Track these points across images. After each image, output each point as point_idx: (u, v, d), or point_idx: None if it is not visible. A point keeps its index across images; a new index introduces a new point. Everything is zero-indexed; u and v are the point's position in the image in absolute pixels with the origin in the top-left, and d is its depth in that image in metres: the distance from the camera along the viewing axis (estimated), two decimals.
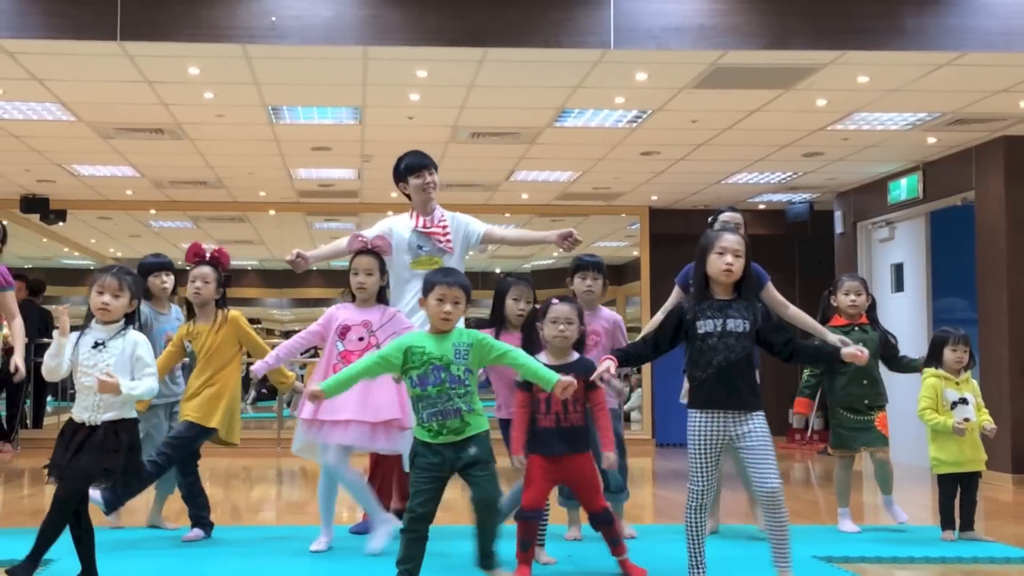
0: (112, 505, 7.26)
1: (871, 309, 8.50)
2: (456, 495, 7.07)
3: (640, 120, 11.82)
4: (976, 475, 7.96)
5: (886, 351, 8.41)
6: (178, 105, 11.21)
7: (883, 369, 8.49)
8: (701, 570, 5.84)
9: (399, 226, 7.89)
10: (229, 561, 6.80)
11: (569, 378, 5.83)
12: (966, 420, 7.75)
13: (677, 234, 17.52)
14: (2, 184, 15.85)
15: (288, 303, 27.60)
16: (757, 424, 5.77)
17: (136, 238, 21.95)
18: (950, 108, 11.32)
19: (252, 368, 7.26)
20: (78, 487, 5.86)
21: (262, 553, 7.06)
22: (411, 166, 7.85)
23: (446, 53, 9.47)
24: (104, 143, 12.98)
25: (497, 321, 6.91)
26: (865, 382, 8.17)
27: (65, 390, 19.47)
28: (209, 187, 16.13)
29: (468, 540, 5.88)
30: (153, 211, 18.16)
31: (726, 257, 5.84)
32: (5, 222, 8.51)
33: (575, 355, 6.38)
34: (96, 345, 5.87)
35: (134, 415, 5.97)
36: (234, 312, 7.74)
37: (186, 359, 7.90)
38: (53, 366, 5.82)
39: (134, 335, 6.01)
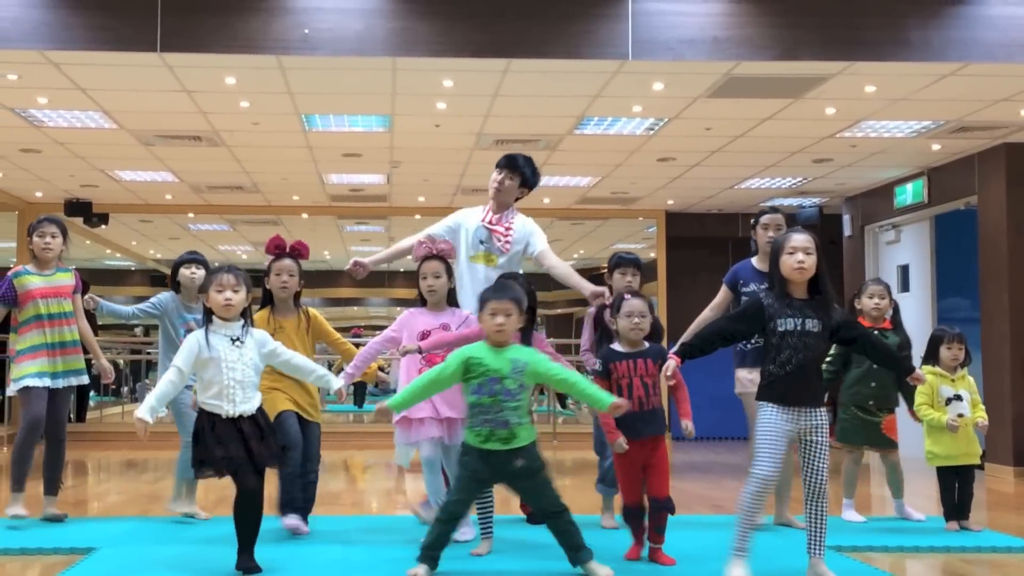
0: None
1: (895, 314, 8.50)
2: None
3: (657, 128, 11.85)
4: (972, 468, 7.94)
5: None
6: (215, 113, 11.28)
7: None
8: (744, 553, 5.76)
9: (469, 217, 7.95)
10: (262, 550, 6.78)
11: (622, 400, 5.98)
12: (960, 416, 7.74)
13: (692, 237, 17.65)
14: (47, 189, 15.98)
15: (319, 302, 27.67)
16: (822, 421, 5.81)
17: (175, 240, 22.05)
18: (953, 116, 11.32)
19: (333, 390, 6.65)
20: (262, 471, 5.98)
21: (298, 541, 7.06)
22: (497, 164, 7.94)
23: (471, 64, 9.50)
24: (144, 150, 13.06)
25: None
26: (873, 384, 8.14)
27: (106, 386, 19.59)
28: (245, 191, 16.21)
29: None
30: (191, 214, 18.32)
31: (797, 255, 5.81)
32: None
33: (646, 344, 6.46)
34: (234, 341, 5.92)
35: None
36: (312, 309, 7.62)
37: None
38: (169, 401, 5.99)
39: (256, 332, 6.14)
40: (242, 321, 6.04)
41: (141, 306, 8.42)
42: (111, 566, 6.15)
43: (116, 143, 12.66)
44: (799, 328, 5.79)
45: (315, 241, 21.90)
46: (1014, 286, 12.45)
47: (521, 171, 7.93)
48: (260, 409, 6.01)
